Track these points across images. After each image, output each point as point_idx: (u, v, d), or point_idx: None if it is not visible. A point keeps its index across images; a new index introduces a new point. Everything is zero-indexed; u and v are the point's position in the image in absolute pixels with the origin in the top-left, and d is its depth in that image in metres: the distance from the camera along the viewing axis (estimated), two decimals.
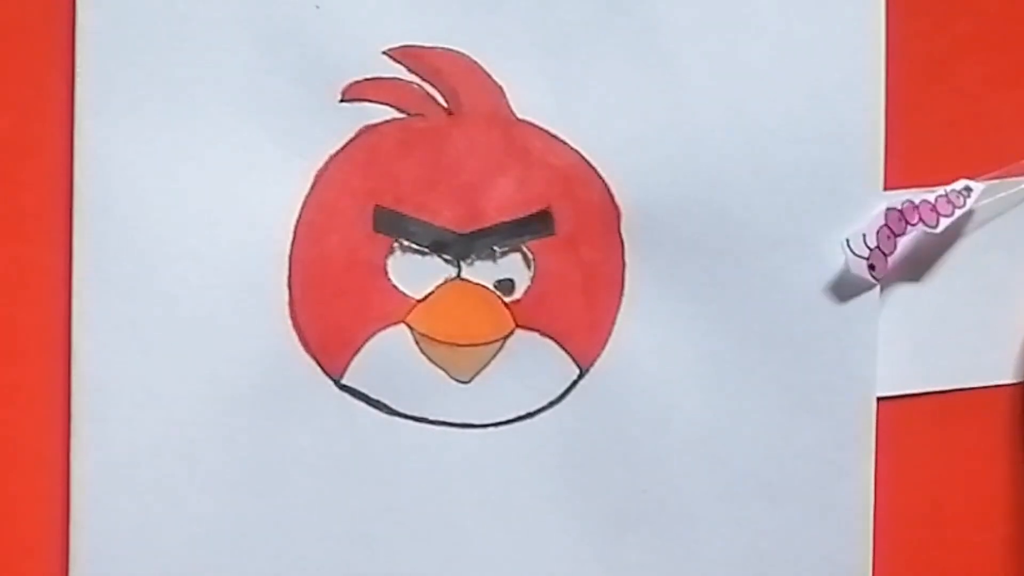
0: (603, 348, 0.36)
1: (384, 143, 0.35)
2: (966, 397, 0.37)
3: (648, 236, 0.36)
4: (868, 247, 0.34)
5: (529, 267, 0.36)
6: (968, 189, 0.34)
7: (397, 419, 0.35)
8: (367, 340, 0.35)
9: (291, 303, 0.35)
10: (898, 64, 0.36)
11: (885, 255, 0.34)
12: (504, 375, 0.36)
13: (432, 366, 0.35)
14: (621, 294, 0.36)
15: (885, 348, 0.36)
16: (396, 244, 0.35)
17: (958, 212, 0.35)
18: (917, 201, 0.34)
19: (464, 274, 0.36)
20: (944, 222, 0.35)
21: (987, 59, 0.36)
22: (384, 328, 0.35)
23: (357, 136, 0.35)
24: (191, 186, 0.35)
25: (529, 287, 0.36)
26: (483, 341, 0.36)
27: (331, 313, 0.35)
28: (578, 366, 0.36)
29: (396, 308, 0.35)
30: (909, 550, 0.36)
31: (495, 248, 0.36)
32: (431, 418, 0.35)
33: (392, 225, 0.35)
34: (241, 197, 0.35)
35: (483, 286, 0.36)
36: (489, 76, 0.35)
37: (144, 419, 0.35)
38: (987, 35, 0.36)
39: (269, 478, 0.35)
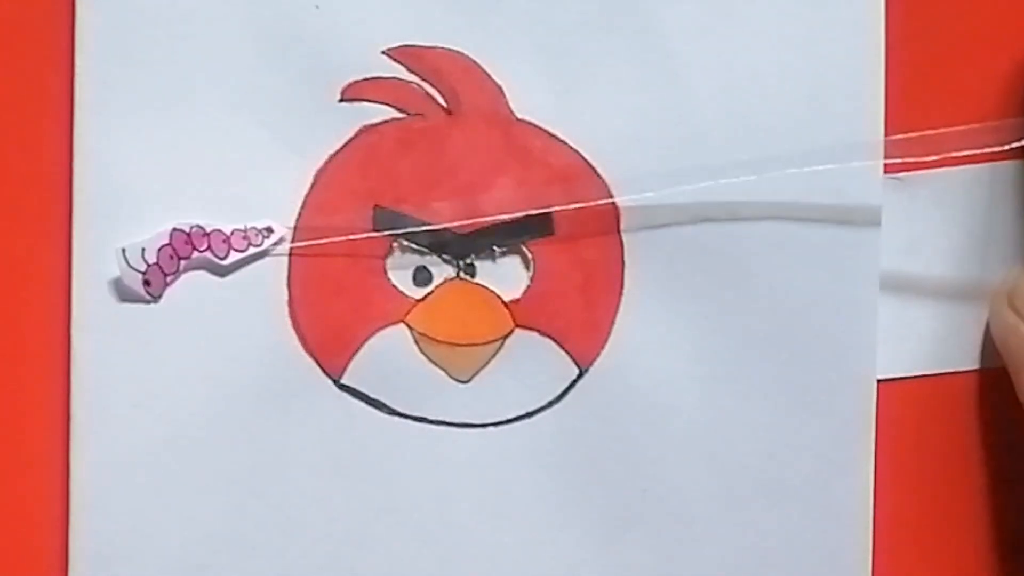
0: (603, 348, 0.36)
1: (384, 143, 0.35)
2: (951, 381, 0.37)
3: (647, 235, 0.36)
4: (147, 262, 0.34)
5: (528, 267, 0.36)
6: (269, 230, 0.34)
7: (396, 419, 0.35)
8: (366, 340, 0.35)
9: (290, 303, 0.35)
10: (898, 63, 0.36)
11: (164, 274, 0.34)
12: (503, 375, 0.36)
13: (431, 366, 0.35)
14: (621, 294, 0.36)
15: (887, 330, 0.36)
16: (395, 244, 0.35)
17: (252, 250, 0.34)
18: (209, 229, 0.34)
19: (463, 274, 0.36)
20: (234, 256, 0.34)
21: (987, 52, 0.36)
22: (383, 328, 0.35)
23: (357, 136, 0.35)
24: (191, 186, 0.35)
25: (528, 287, 0.36)
26: (482, 341, 0.36)
27: (330, 313, 0.35)
28: (577, 366, 0.36)
29: (395, 308, 0.35)
30: (909, 546, 0.36)
31: (495, 248, 0.36)
32: (430, 418, 0.35)
33: (392, 225, 0.35)
34: (240, 197, 0.35)
35: (482, 286, 0.36)
36: (488, 76, 0.35)
37: (144, 419, 0.35)
38: (988, 29, 0.36)
39: (268, 478, 0.35)
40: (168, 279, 0.34)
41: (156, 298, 0.34)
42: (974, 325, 0.36)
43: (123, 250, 0.34)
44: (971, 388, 0.37)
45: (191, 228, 0.34)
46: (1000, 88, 0.36)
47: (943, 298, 0.36)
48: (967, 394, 0.37)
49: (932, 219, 0.36)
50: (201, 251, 0.34)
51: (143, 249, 0.34)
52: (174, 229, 0.34)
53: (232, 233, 0.34)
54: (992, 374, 0.36)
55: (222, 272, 0.35)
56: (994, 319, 0.36)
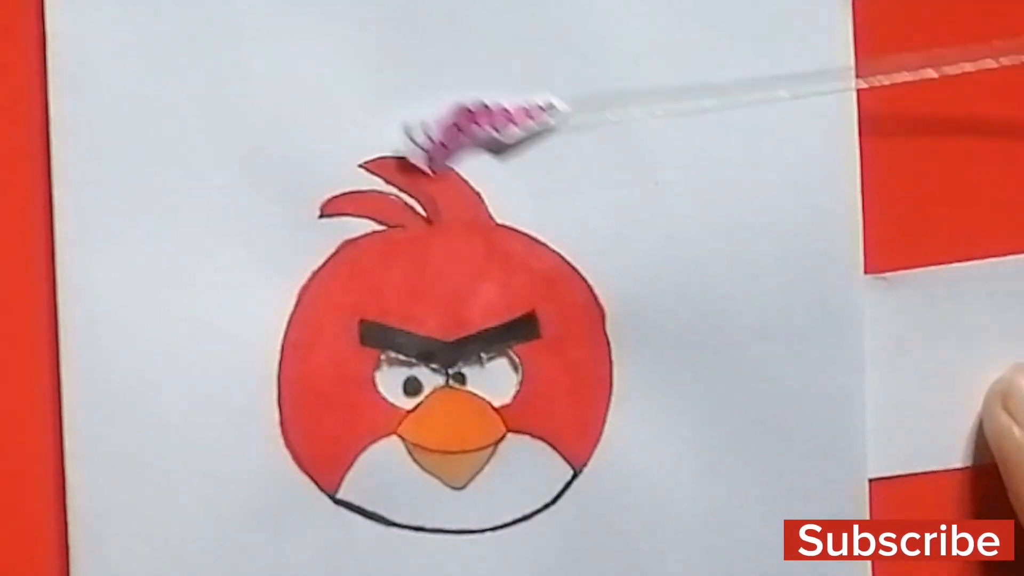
0: (595, 447, 0.36)
1: (366, 256, 0.35)
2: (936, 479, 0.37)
3: (633, 334, 0.36)
4: (431, 139, 0.34)
5: (517, 371, 0.36)
6: (551, 106, 0.34)
7: (394, 529, 0.35)
8: (360, 454, 0.35)
9: (282, 422, 0.35)
10: (873, 152, 0.36)
11: (447, 149, 0.34)
12: (498, 479, 0.36)
13: (426, 475, 0.36)
14: (610, 392, 0.36)
15: (875, 430, 0.36)
16: (383, 356, 0.36)
17: (533, 126, 0.34)
18: (492, 106, 0.34)
19: (452, 382, 0.36)
20: (516, 132, 0.34)
21: (964, 140, 0.37)
22: (376, 441, 0.35)
23: (338, 251, 0.35)
24: (176, 311, 0.35)
25: (518, 391, 0.36)
26: (475, 447, 0.36)
27: (323, 429, 0.35)
28: (571, 466, 0.36)
29: (387, 420, 0.35)
30: None
31: (482, 354, 0.36)
32: (428, 526, 0.36)
33: (378, 338, 0.35)
34: (226, 319, 0.35)
35: (472, 393, 0.36)
36: (467, 183, 0.35)
37: (142, 548, 0.35)
38: (961, 118, 0.37)
39: None
40: (450, 153, 0.35)
41: (434, 171, 0.35)
42: (964, 424, 0.37)
43: (407, 128, 0.34)
44: (960, 485, 0.37)
45: (477, 105, 0.34)
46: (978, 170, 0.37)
47: (933, 397, 0.36)
48: (957, 490, 0.37)
49: (919, 318, 0.36)
50: (481, 126, 0.34)
51: (429, 125, 0.34)
52: (459, 106, 0.34)
53: (514, 110, 0.34)
54: (983, 470, 0.37)
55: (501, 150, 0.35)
56: (988, 421, 0.36)
